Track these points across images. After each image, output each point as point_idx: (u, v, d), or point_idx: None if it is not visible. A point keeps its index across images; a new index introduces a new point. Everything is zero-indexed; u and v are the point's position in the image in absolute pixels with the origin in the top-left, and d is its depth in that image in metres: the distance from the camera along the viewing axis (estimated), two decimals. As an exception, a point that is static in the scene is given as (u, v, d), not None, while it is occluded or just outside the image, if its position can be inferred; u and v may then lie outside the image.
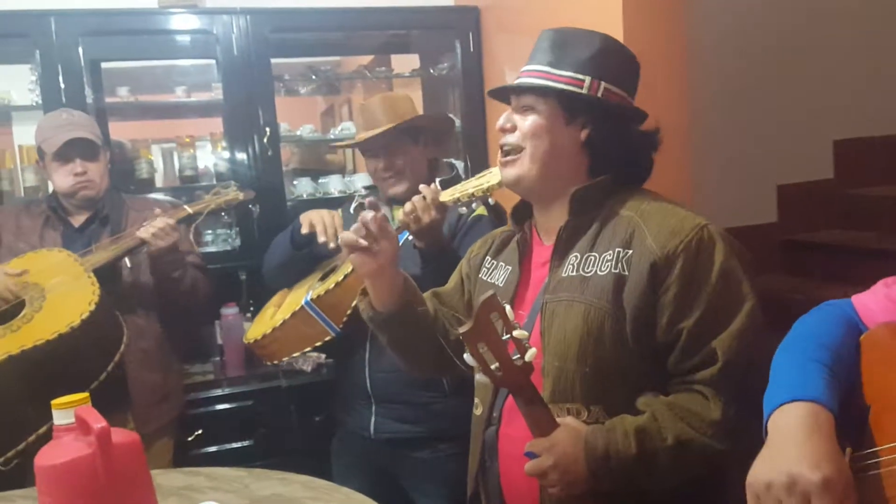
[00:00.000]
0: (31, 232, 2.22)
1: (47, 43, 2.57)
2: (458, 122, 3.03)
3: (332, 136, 3.16)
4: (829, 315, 1.07)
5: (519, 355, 1.16)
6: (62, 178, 2.20)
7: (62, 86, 2.58)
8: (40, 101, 2.63)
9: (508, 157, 1.37)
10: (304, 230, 2.04)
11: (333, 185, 3.08)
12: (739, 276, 1.22)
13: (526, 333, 1.18)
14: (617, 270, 1.25)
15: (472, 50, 2.96)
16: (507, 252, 1.50)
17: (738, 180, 2.85)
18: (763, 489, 0.88)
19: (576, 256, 1.31)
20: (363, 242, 1.42)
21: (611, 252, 1.27)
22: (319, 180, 3.11)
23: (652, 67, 2.08)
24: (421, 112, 2.23)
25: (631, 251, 1.25)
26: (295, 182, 3.07)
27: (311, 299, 1.96)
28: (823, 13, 2.99)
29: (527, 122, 1.34)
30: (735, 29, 2.83)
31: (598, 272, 1.27)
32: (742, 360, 1.18)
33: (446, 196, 1.78)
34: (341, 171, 3.54)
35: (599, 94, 1.31)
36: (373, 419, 2.06)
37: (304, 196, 3.03)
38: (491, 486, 1.41)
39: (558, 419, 1.22)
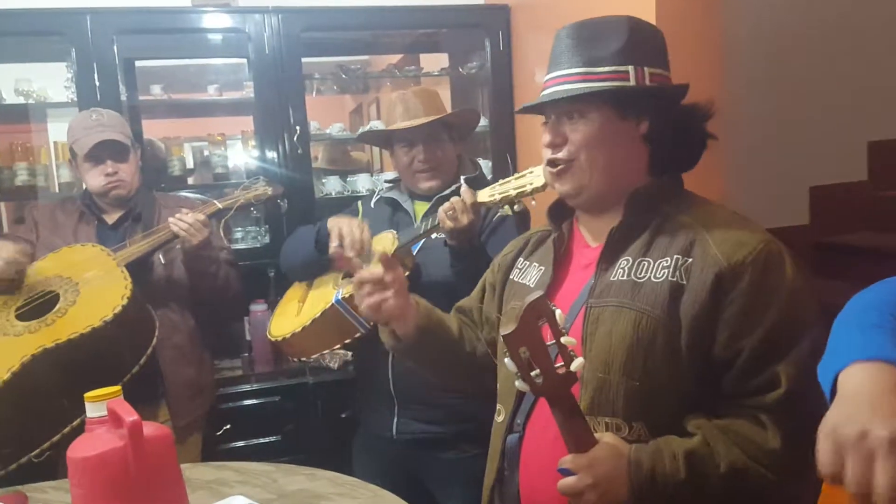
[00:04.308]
0: (67, 228, 2.26)
1: (83, 41, 2.61)
2: (486, 121, 3.03)
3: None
4: (893, 286, 1.01)
5: (562, 363, 1.08)
6: (94, 179, 2.23)
7: (97, 84, 2.62)
8: (75, 99, 2.68)
9: (560, 168, 1.27)
10: (334, 244, 2.01)
11: (362, 183, 3.09)
12: (808, 296, 1.15)
13: (574, 341, 1.09)
14: (674, 279, 1.17)
15: (501, 49, 2.96)
16: (541, 252, 1.42)
17: (770, 181, 2.81)
18: (828, 430, 0.83)
19: (627, 260, 1.23)
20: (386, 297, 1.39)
21: (668, 259, 1.19)
22: (348, 178, 3.12)
23: (684, 66, 2.06)
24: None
25: (691, 259, 1.17)
26: (324, 180, 3.09)
27: (343, 297, 1.94)
28: (859, 12, 2.93)
29: (578, 132, 1.24)
30: (768, 28, 2.79)
31: (653, 278, 1.19)
32: (806, 387, 1.05)
33: (484, 197, 1.77)
34: (368, 169, 3.54)
35: (647, 82, 1.23)
36: (395, 420, 2.06)
37: (333, 194, 3.05)
38: (508, 499, 1.33)
39: (596, 435, 1.14)
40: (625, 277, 1.22)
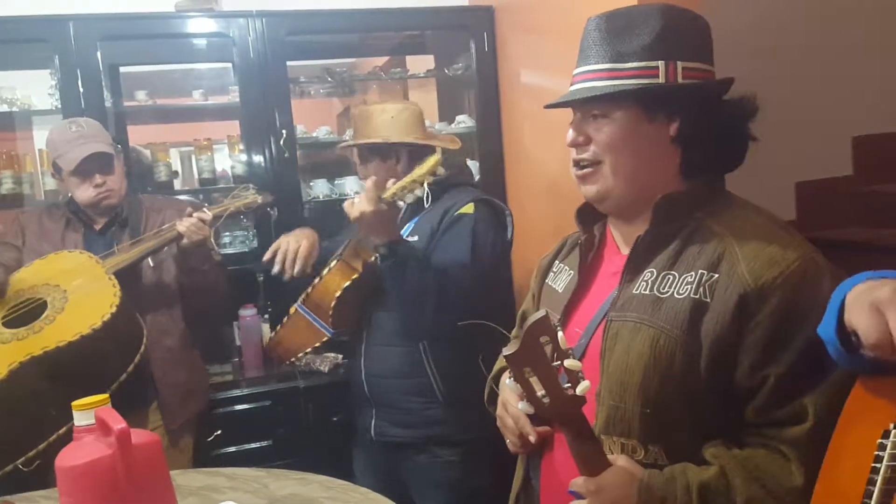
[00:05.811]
0: (54, 234, 2.25)
1: (66, 48, 2.60)
2: (472, 122, 3.04)
3: (347, 138, 3.16)
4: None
5: (570, 384, 1.02)
6: (83, 192, 2.21)
7: (81, 90, 2.61)
8: (60, 106, 2.66)
9: (585, 171, 1.20)
10: (266, 257, 2.15)
11: (349, 186, 3.08)
12: None
13: (579, 364, 1.03)
14: (697, 296, 1.09)
15: (486, 50, 2.96)
16: (573, 255, 1.34)
17: (756, 177, 2.80)
18: (857, 298, 0.88)
19: (651, 273, 1.16)
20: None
21: (693, 273, 1.11)
22: (335, 181, 3.11)
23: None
24: (428, 124, 2.31)
25: (717, 276, 1.09)
26: (311, 183, 3.08)
27: (302, 300, 2.09)
28: (843, 8, 2.95)
29: (602, 133, 1.17)
30: (752, 24, 2.80)
31: (676, 294, 1.11)
32: (835, 422, 0.98)
33: (388, 193, 1.85)
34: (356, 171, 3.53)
35: (680, 79, 1.13)
36: (373, 422, 2.11)
37: (321, 197, 3.04)
38: None
39: (609, 457, 1.09)
40: (647, 291, 1.14)
